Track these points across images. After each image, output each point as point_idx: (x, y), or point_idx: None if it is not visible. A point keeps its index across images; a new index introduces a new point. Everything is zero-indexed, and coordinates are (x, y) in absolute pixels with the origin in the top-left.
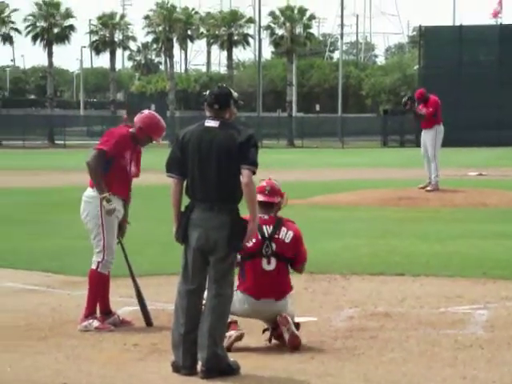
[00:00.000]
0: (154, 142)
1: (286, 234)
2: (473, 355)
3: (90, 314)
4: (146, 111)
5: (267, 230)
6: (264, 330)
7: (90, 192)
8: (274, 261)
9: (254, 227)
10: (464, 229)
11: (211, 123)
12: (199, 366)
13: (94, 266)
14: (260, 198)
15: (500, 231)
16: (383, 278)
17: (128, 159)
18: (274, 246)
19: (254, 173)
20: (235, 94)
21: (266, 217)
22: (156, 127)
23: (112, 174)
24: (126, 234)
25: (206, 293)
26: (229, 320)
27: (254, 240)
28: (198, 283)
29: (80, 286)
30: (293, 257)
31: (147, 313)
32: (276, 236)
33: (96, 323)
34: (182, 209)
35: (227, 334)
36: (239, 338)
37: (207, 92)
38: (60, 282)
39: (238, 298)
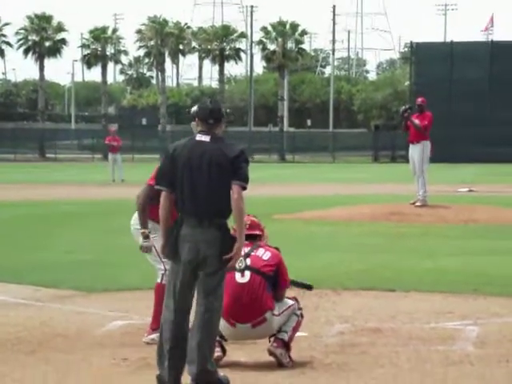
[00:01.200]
0: None
1: (263, 253)
2: (463, 371)
3: (158, 327)
4: None
5: (244, 250)
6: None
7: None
8: (247, 274)
9: (240, 244)
10: (455, 245)
11: (202, 137)
12: (189, 381)
13: (158, 280)
14: None
15: (491, 247)
16: (374, 293)
17: None
18: (248, 261)
19: (244, 188)
20: (223, 109)
21: (246, 242)
22: None
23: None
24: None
25: (194, 307)
26: None
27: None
28: (185, 299)
29: (70, 300)
30: (270, 273)
31: None
32: (252, 253)
33: None
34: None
35: None
36: (217, 359)
37: (195, 106)
38: (50, 296)
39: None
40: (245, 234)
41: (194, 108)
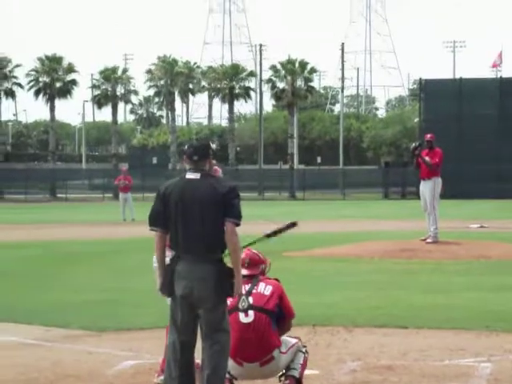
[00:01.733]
0: None
1: (264, 288)
2: None
3: None
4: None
5: (244, 287)
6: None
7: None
8: (251, 313)
9: (239, 278)
10: (466, 281)
11: (192, 175)
12: None
13: None
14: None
15: (502, 283)
16: (386, 330)
17: None
18: (251, 299)
19: (237, 225)
20: (213, 146)
21: (245, 278)
22: None
23: None
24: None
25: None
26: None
27: (230, 299)
28: (188, 335)
29: (81, 340)
30: (274, 309)
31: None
32: (254, 291)
33: None
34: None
35: None
36: None
37: (186, 145)
38: (60, 336)
39: (230, 365)
40: (245, 275)
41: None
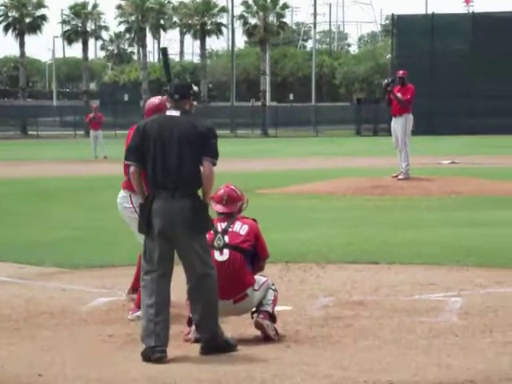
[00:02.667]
0: None
1: (240, 227)
2: (447, 342)
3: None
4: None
5: (221, 226)
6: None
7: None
8: (226, 251)
9: (207, 199)
10: (438, 217)
11: (172, 112)
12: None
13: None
14: (218, 208)
15: (474, 219)
16: (358, 266)
17: None
18: (226, 238)
19: (214, 164)
20: (195, 88)
21: (223, 216)
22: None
23: None
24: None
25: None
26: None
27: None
28: (165, 268)
29: (54, 277)
30: (249, 248)
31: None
32: (230, 229)
33: None
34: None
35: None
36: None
37: (168, 85)
38: (34, 274)
39: None
40: (222, 212)
41: None
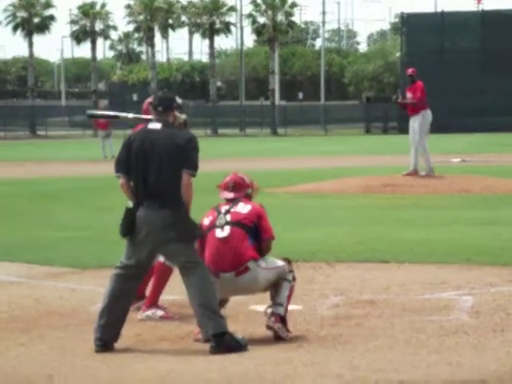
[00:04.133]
0: None
1: (243, 207)
2: (458, 341)
3: (152, 304)
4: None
5: (225, 208)
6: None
7: None
8: (227, 228)
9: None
10: (448, 215)
11: (154, 126)
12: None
13: (161, 259)
14: (224, 195)
15: (484, 217)
16: (368, 265)
17: None
18: (228, 216)
19: (193, 175)
20: (179, 101)
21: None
22: None
23: None
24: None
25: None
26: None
27: (210, 217)
28: (137, 273)
29: (64, 277)
30: (250, 225)
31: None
32: (232, 210)
33: (160, 312)
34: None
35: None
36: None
37: (152, 96)
38: (43, 274)
39: None
40: (228, 198)
41: None
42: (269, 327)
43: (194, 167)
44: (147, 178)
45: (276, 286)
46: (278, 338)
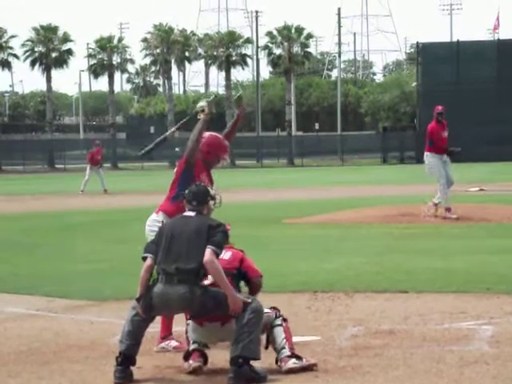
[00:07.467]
0: (221, 161)
1: (223, 254)
2: (478, 371)
3: (166, 335)
4: (206, 134)
5: None
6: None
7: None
8: (210, 277)
9: (231, 295)
10: (466, 244)
11: (188, 213)
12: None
13: None
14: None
15: (502, 246)
16: (387, 295)
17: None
18: None
19: (217, 255)
20: (212, 192)
21: None
22: (221, 147)
23: None
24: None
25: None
26: (192, 347)
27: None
28: (150, 319)
29: (83, 310)
30: (233, 270)
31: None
32: None
33: (174, 343)
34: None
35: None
36: (196, 369)
37: (186, 190)
38: (63, 307)
39: (191, 326)
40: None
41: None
42: (287, 371)
43: (218, 245)
44: (170, 254)
45: (271, 337)
46: (304, 369)
